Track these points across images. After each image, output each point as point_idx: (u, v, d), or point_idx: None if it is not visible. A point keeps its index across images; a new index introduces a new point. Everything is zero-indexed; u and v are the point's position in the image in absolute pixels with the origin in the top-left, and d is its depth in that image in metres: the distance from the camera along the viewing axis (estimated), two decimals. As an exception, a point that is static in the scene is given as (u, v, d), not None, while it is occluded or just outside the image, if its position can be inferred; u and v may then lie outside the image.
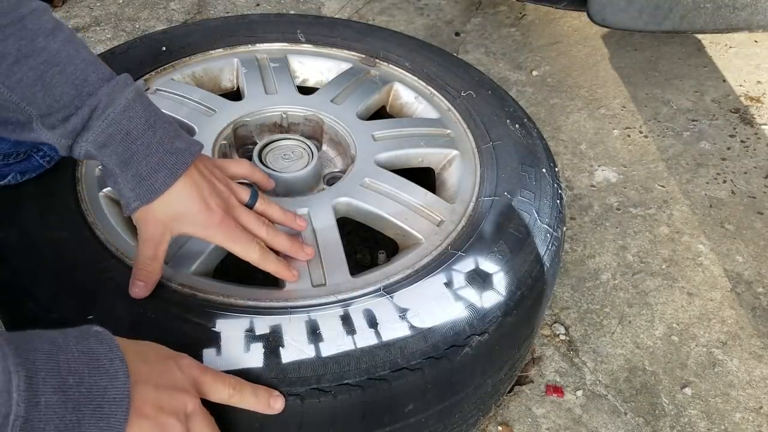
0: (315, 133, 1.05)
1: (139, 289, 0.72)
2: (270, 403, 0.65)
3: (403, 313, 0.75)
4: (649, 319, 1.26)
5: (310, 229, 0.85)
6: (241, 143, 1.03)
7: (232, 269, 0.87)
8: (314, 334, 0.71)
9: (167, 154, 0.71)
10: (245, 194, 0.79)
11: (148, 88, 1.03)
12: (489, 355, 0.79)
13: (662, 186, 1.55)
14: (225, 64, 1.13)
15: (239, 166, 0.83)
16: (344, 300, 0.76)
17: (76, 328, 0.55)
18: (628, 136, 1.68)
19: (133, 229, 0.79)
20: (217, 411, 0.64)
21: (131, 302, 0.72)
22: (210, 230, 0.73)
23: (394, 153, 0.99)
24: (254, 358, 0.69)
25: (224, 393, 0.62)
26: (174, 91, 1.03)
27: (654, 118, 1.74)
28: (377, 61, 1.15)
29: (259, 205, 0.80)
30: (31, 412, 0.47)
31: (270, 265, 0.77)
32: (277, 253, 0.78)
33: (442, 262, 0.82)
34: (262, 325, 0.71)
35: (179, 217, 0.72)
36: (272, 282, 0.80)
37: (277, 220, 0.81)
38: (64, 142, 0.69)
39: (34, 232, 0.79)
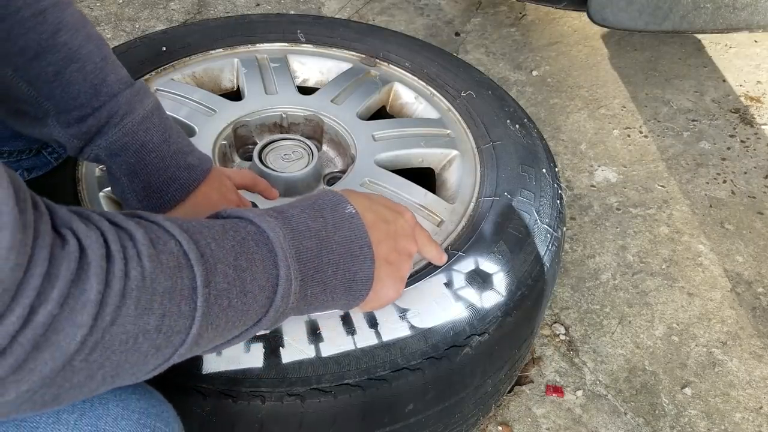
0: (315, 133, 1.05)
1: None
2: (442, 258, 0.75)
3: (403, 313, 0.75)
4: (649, 319, 1.26)
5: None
6: (242, 143, 1.03)
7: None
8: (314, 334, 0.71)
9: (180, 170, 0.70)
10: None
11: (148, 89, 1.03)
12: (489, 355, 0.79)
13: (662, 186, 1.55)
14: (225, 64, 1.13)
15: (243, 177, 0.82)
16: (344, 300, 0.76)
17: (331, 204, 0.60)
18: (628, 136, 1.68)
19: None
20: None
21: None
22: None
23: (394, 153, 0.99)
24: (254, 358, 0.69)
25: (425, 240, 0.72)
26: (174, 91, 1.03)
27: (654, 118, 1.74)
28: (377, 61, 1.15)
29: None
30: (299, 302, 0.56)
31: None
32: None
33: (442, 262, 0.82)
34: (262, 325, 0.71)
35: None
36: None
37: None
38: (76, 143, 0.68)
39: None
